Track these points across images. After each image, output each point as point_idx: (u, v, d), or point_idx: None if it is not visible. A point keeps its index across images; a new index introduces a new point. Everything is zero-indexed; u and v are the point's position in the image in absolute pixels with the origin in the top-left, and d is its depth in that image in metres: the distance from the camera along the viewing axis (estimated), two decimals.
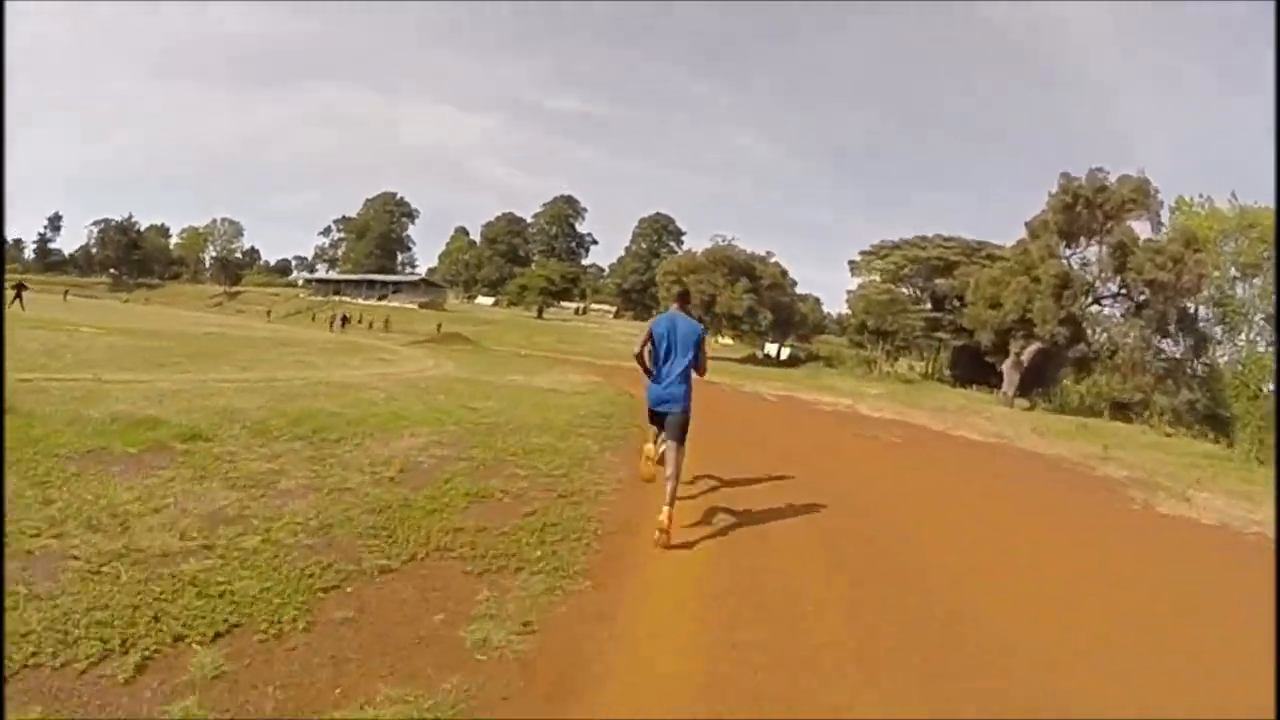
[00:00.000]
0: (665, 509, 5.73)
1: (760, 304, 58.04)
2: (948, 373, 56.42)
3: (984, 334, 39.04)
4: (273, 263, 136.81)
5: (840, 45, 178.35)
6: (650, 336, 6.18)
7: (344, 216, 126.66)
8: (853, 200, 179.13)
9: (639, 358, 6.32)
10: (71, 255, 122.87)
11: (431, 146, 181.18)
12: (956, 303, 53.38)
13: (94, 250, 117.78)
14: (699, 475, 8.18)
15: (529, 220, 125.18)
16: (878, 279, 56.58)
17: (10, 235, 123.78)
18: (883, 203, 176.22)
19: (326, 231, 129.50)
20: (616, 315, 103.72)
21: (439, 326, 56.68)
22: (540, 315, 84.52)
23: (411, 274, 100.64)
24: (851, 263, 59.03)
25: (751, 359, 62.97)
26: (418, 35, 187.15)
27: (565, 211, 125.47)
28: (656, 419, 6.39)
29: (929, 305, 55.50)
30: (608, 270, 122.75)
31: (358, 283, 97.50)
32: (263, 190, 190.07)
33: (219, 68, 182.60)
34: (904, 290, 56.70)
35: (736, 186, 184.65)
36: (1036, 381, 39.07)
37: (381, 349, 31.87)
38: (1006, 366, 37.34)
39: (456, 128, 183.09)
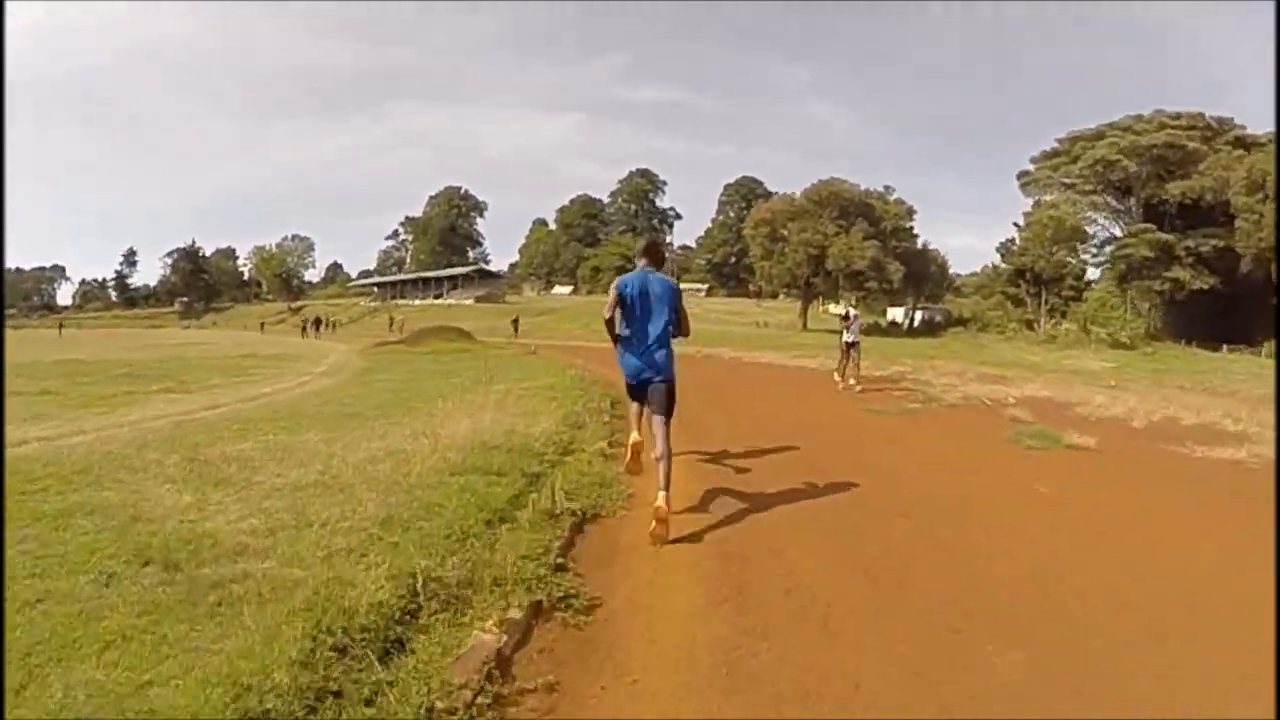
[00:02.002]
0: (661, 493, 4.70)
1: (886, 254, 43.29)
2: (1157, 328, 39.99)
3: None
4: (354, 275, 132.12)
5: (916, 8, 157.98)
6: (620, 299, 5.20)
7: (407, 217, 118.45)
8: (947, 163, 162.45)
9: (608, 323, 5.34)
10: (153, 288, 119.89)
11: (515, 152, 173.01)
12: (1175, 226, 36.94)
13: (173, 281, 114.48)
14: None
15: (605, 200, 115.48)
16: (1062, 195, 39.99)
17: (93, 275, 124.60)
18: (978, 166, 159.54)
19: (394, 235, 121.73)
20: (709, 293, 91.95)
21: (508, 321, 44.85)
22: None
23: (470, 268, 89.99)
24: (1023, 175, 42.48)
25: (874, 329, 48.15)
26: (495, 48, 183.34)
27: (643, 187, 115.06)
28: (637, 393, 5.35)
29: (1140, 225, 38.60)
30: (695, 246, 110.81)
31: (414, 282, 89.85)
32: (353, 210, 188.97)
33: (304, 100, 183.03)
34: (1093, 215, 40.30)
35: (821, 160, 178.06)
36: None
37: (299, 357, 22.26)
38: None
39: (538, 131, 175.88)
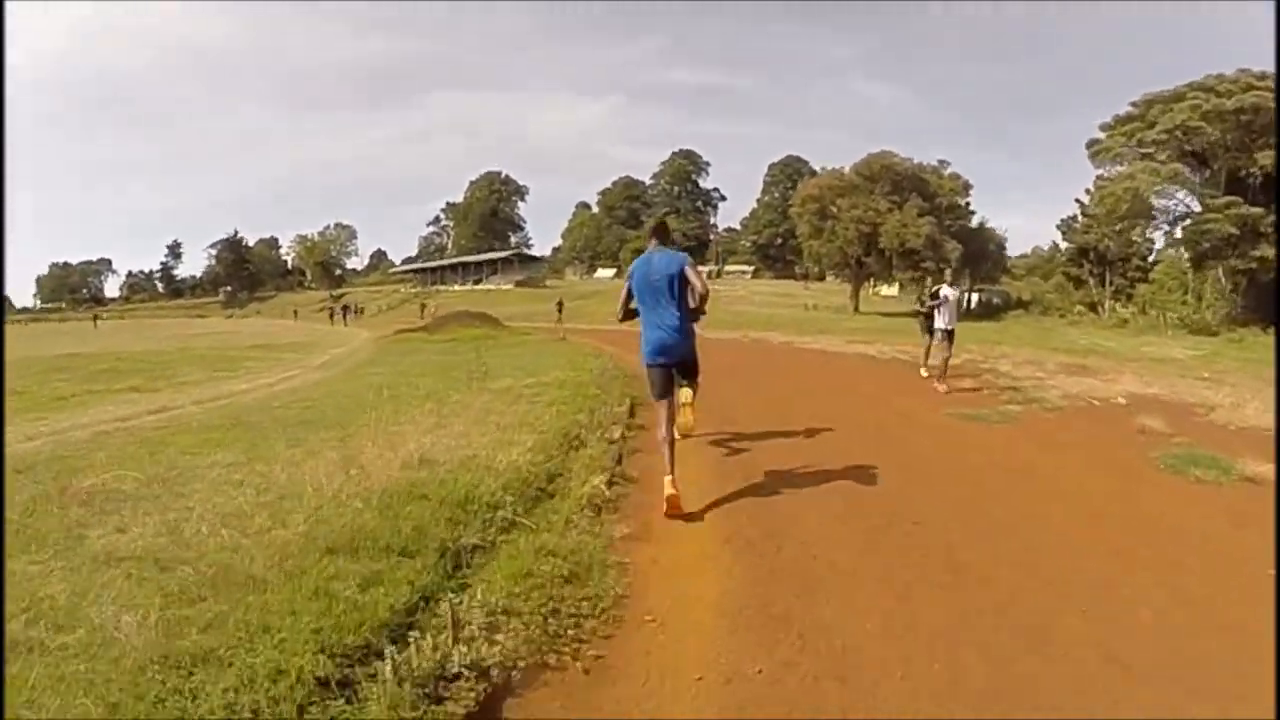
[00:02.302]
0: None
1: (942, 232, 40.38)
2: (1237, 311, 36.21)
3: None
4: (398, 262, 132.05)
5: None
6: (629, 287, 5.15)
7: (448, 203, 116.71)
8: (993, 143, 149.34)
9: (625, 310, 5.25)
10: (198, 279, 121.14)
11: (558, 137, 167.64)
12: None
13: (217, 271, 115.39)
14: None
15: (648, 182, 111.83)
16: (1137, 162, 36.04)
17: (140, 268, 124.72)
18: (1026, 146, 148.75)
19: (436, 220, 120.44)
20: (755, 275, 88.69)
21: (551, 306, 43.13)
22: None
23: (509, 252, 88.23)
24: (1093, 144, 38.76)
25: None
26: (531, 33, 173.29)
27: (686, 168, 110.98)
28: (659, 380, 5.02)
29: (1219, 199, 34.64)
30: (740, 228, 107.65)
31: (453, 267, 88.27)
32: (397, 198, 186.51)
33: (345, 92, 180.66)
34: (1170, 188, 36.50)
35: (864, 140, 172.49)
36: None
37: (311, 346, 21.16)
38: None
39: (578, 115, 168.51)
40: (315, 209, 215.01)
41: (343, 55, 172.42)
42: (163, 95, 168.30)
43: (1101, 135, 38.09)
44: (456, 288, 78.36)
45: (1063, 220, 51.29)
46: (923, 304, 12.77)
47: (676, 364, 5.03)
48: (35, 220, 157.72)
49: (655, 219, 6.27)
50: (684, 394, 5.05)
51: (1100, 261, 46.66)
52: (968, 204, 46.21)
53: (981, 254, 48.36)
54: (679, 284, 4.90)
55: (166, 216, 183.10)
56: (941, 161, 45.30)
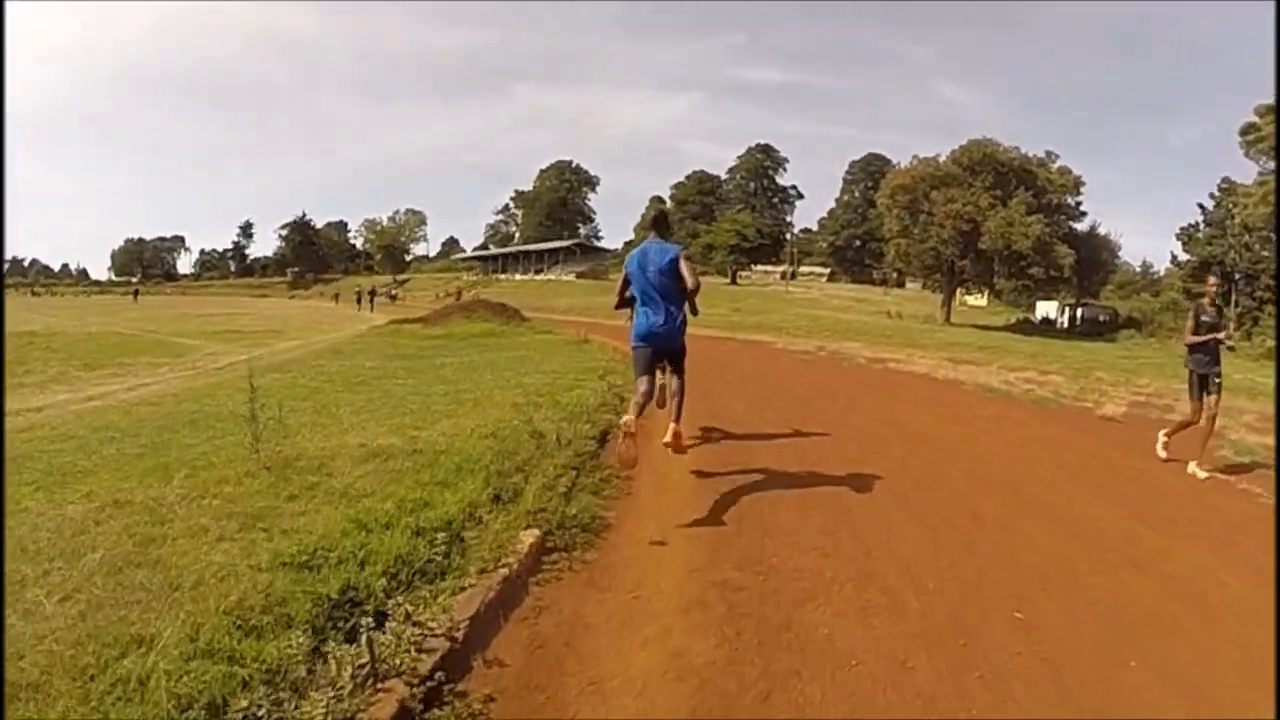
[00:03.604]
0: (671, 425, 5.17)
1: (1054, 235, 35.49)
2: None
3: None
4: (469, 249, 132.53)
5: None
6: (626, 275, 5.46)
7: (517, 191, 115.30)
8: (1080, 148, 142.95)
9: (620, 298, 5.68)
10: (269, 259, 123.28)
11: (637, 132, 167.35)
12: None
13: (284, 252, 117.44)
14: None
15: (723, 177, 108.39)
16: None
17: (213, 246, 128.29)
18: (1114, 151, 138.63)
19: (505, 209, 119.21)
20: (831, 278, 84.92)
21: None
22: (734, 281, 68.12)
23: (570, 242, 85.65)
24: (1249, 130, 33.08)
25: (1021, 326, 39.97)
26: (613, 29, 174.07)
27: (763, 163, 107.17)
28: (643, 360, 5.32)
29: None
30: (817, 229, 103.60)
31: (515, 256, 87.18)
32: (473, 186, 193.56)
33: (429, 83, 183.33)
34: None
35: (948, 143, 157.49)
36: None
37: (280, 333, 21.39)
38: None
39: (656, 112, 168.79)
40: (391, 194, 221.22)
41: (423, 46, 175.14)
42: (245, 82, 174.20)
43: (1257, 119, 32.42)
44: (518, 277, 77.06)
45: (1182, 229, 45.94)
46: (1199, 326, 6.99)
47: (661, 349, 5.32)
48: (115, 198, 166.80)
49: (654, 210, 6.32)
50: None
51: (1225, 279, 41.57)
52: (1078, 204, 40.91)
53: (1094, 262, 42.79)
54: (671, 275, 5.15)
55: (244, 198, 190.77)
56: (1049, 153, 40.16)
